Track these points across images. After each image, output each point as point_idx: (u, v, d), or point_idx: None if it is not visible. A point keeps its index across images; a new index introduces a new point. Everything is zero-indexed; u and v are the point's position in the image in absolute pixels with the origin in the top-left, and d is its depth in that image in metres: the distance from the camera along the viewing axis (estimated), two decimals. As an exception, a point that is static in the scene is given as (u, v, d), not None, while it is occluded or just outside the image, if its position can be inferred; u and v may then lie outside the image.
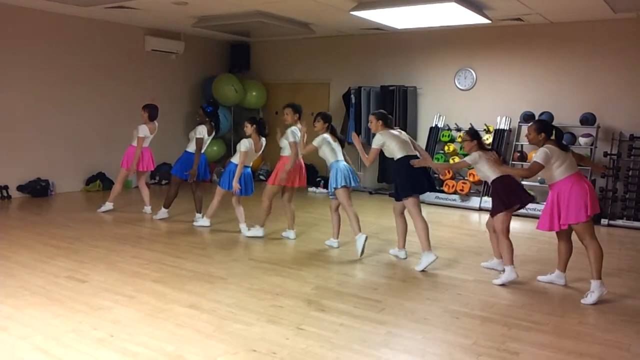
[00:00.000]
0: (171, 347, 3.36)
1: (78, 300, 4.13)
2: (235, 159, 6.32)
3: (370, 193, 9.91)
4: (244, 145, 6.17)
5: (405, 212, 5.51)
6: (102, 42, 9.45)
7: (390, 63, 9.99)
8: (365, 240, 5.56)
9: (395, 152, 5.35)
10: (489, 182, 5.13)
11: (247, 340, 3.49)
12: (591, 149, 7.97)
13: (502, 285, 4.79)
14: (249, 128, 6.25)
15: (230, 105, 10.97)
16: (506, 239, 4.90)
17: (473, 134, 5.21)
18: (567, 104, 8.37)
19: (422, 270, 5.18)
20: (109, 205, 7.56)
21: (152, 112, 7.31)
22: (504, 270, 4.94)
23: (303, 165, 6.21)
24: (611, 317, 4.10)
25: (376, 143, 5.39)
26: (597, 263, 4.43)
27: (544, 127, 4.65)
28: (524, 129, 8.61)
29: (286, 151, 6.03)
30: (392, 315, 4.00)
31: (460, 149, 8.95)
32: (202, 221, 6.80)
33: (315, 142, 5.78)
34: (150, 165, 7.52)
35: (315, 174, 10.33)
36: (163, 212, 7.17)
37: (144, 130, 7.25)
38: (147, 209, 7.52)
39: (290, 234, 6.32)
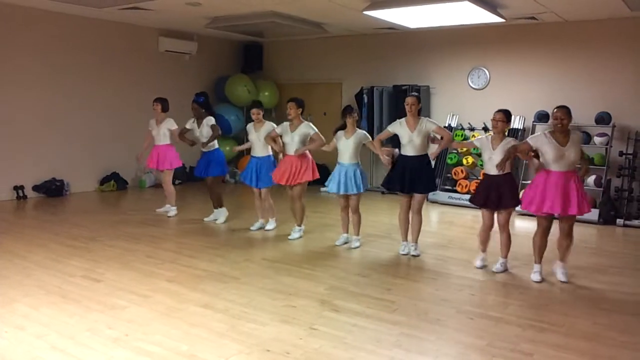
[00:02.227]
0: (185, 347, 3.38)
1: (93, 300, 4.17)
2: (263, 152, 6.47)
3: (383, 193, 9.88)
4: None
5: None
6: (117, 43, 9.53)
7: (402, 62, 9.96)
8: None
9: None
10: (492, 172, 5.02)
11: (261, 340, 3.50)
12: (606, 148, 7.88)
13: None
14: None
15: (243, 106, 11.00)
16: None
17: (509, 115, 5.18)
18: (582, 103, 8.27)
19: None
20: (173, 210, 7.42)
21: (165, 104, 7.30)
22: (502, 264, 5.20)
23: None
24: (627, 318, 4.06)
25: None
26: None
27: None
28: (538, 128, 8.54)
29: (291, 149, 6.03)
30: (405, 316, 3.99)
31: (474, 149, 8.89)
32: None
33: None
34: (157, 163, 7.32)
35: (327, 173, 10.30)
36: (223, 212, 7.05)
37: (172, 123, 7.29)
38: (169, 208, 7.45)
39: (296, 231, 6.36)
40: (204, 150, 6.91)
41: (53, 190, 8.70)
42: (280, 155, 6.23)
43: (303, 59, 11.18)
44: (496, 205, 5.08)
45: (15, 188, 8.41)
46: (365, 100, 9.80)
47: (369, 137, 5.82)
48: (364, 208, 6.39)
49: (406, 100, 5.48)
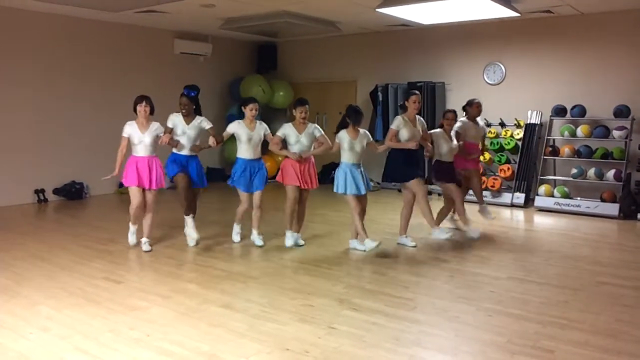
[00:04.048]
0: (206, 347, 3.42)
1: (114, 301, 4.22)
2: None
3: (399, 191, 9.84)
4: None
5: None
6: (133, 46, 9.64)
7: (417, 59, 9.92)
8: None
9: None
10: (450, 159, 6.21)
11: (280, 339, 3.52)
12: (626, 142, 7.78)
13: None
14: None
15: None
16: None
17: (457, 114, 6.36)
18: (599, 96, 8.19)
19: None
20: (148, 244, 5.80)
21: (152, 105, 5.78)
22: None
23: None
24: (649, 314, 4.02)
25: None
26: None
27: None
28: (556, 122, 8.48)
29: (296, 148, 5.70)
30: (424, 314, 3.99)
31: (490, 144, 8.85)
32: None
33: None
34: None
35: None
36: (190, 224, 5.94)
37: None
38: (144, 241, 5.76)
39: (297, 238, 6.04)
40: (186, 154, 5.76)
41: (73, 193, 8.82)
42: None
43: (317, 58, 11.20)
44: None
45: (36, 191, 8.55)
46: (380, 97, 9.79)
47: (370, 136, 5.80)
48: (381, 206, 6.42)
49: (414, 98, 5.77)
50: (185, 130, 5.77)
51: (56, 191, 8.76)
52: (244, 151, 5.76)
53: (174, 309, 4.07)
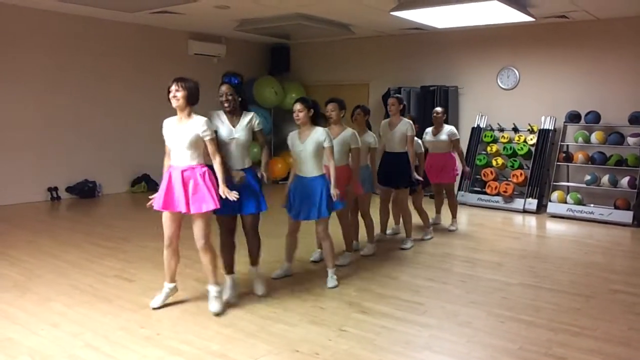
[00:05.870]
0: (216, 346, 3.42)
1: (126, 299, 4.25)
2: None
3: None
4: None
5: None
6: (147, 46, 9.70)
7: (430, 63, 9.90)
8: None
9: None
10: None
11: (290, 341, 3.52)
12: (641, 149, 7.71)
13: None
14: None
15: (270, 108, 11.07)
16: None
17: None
18: (614, 102, 8.12)
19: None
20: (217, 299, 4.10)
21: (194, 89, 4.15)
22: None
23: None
24: (663, 323, 3.97)
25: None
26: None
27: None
28: (570, 128, 8.42)
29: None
30: (435, 318, 3.97)
31: (504, 149, 8.80)
32: None
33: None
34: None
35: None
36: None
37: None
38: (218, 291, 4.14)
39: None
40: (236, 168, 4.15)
41: (86, 191, 8.88)
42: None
43: (330, 60, 11.19)
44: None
45: (50, 189, 8.61)
46: (393, 101, 9.77)
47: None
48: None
49: (389, 101, 6.06)
50: (232, 135, 4.13)
51: (69, 189, 8.82)
52: (299, 167, 4.61)
53: (184, 308, 4.09)
